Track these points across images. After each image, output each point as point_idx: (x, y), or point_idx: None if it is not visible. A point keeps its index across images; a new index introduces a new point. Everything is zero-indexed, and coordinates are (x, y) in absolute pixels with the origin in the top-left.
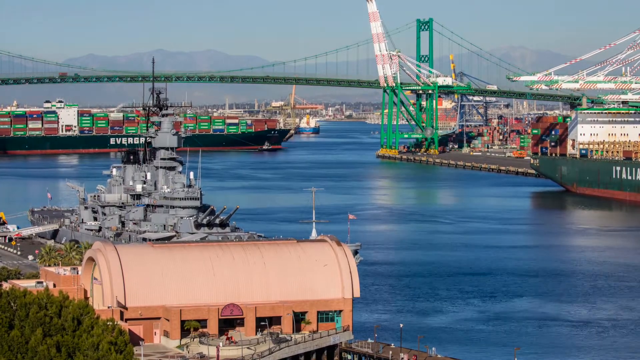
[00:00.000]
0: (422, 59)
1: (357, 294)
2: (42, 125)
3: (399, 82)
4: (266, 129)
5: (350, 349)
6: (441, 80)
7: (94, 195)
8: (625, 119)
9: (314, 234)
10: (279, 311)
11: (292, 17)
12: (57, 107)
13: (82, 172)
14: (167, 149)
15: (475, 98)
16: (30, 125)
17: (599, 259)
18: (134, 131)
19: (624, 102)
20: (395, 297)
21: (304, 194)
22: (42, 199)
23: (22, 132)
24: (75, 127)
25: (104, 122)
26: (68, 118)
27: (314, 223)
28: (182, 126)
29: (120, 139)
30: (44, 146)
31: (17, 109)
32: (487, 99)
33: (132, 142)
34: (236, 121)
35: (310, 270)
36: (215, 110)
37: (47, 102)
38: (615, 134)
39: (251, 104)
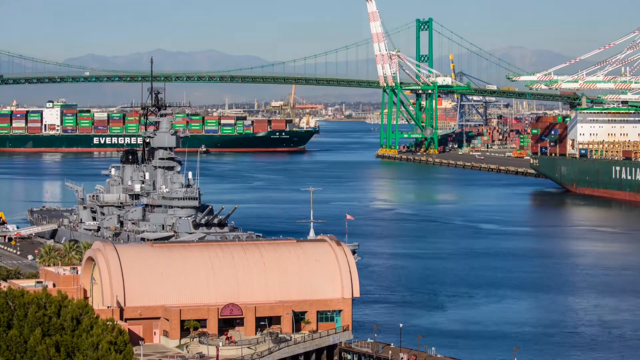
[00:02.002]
0: (422, 58)
1: (357, 293)
2: (26, 124)
3: (398, 81)
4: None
5: (349, 348)
6: (441, 80)
7: (93, 195)
8: (625, 119)
9: (311, 234)
10: (279, 311)
11: (292, 17)
12: (45, 107)
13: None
14: (165, 148)
15: (475, 98)
16: (15, 124)
17: (598, 259)
18: (118, 131)
19: (624, 102)
20: (395, 297)
21: (302, 194)
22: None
23: (7, 131)
24: (58, 126)
25: (87, 121)
26: (51, 117)
27: (311, 223)
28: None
29: (104, 138)
30: (26, 144)
31: (4, 109)
32: (487, 98)
33: (116, 142)
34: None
35: (310, 270)
36: (215, 110)
37: (50, 101)
38: (614, 134)
39: (251, 104)
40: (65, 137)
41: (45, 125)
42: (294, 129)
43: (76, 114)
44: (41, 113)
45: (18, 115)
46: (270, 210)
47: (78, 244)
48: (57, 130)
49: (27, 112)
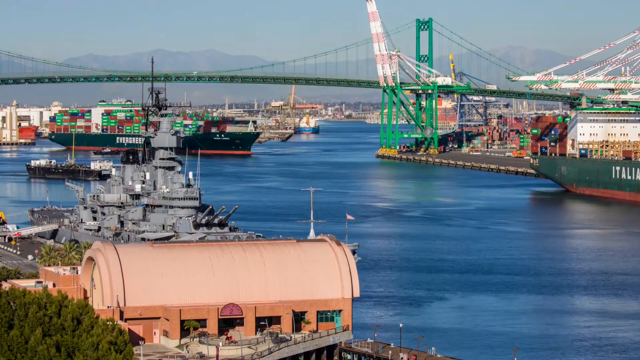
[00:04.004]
0: (422, 58)
1: (357, 293)
2: (84, 124)
3: (398, 81)
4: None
5: (349, 348)
6: (441, 80)
7: (93, 195)
8: (625, 119)
9: (312, 234)
10: (279, 311)
11: (292, 17)
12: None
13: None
14: (166, 149)
15: (475, 98)
16: (79, 123)
17: (598, 259)
18: (129, 130)
19: (624, 102)
20: (395, 297)
21: (302, 195)
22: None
23: (74, 130)
24: (99, 125)
25: (114, 121)
26: (96, 117)
27: (312, 223)
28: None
29: (123, 138)
30: (83, 143)
31: (71, 108)
32: (487, 98)
33: (130, 142)
34: (189, 122)
35: (310, 270)
36: (215, 110)
37: (102, 101)
38: (614, 134)
39: (251, 104)
40: (101, 136)
41: (93, 124)
42: (239, 131)
43: (110, 113)
44: (91, 112)
45: (79, 114)
46: (272, 209)
47: (78, 244)
48: (98, 129)
49: (87, 111)
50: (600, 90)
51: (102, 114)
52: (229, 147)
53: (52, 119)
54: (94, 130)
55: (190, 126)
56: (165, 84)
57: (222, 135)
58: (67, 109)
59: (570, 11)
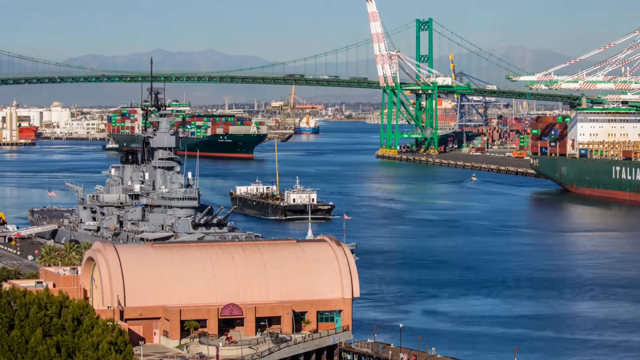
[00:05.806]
0: (422, 59)
1: (357, 293)
2: (130, 124)
3: (398, 82)
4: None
5: (349, 349)
6: (441, 80)
7: (93, 195)
8: (625, 119)
9: (309, 234)
10: (279, 311)
11: (292, 17)
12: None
13: None
14: (165, 149)
15: (475, 98)
16: (126, 124)
17: (598, 260)
18: None
19: (624, 102)
20: (395, 297)
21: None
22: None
23: (123, 131)
24: (140, 126)
25: (148, 122)
26: (139, 118)
27: (309, 223)
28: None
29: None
30: (128, 144)
31: (123, 109)
32: (487, 98)
33: None
34: (201, 123)
35: (310, 270)
36: (215, 110)
37: (146, 101)
38: (614, 134)
39: (251, 104)
40: (138, 137)
41: (135, 125)
42: (241, 133)
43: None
44: (134, 114)
45: (127, 115)
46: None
47: (78, 244)
48: (137, 130)
49: (133, 112)
50: (600, 90)
51: (142, 115)
52: (233, 150)
53: (109, 120)
54: (136, 131)
55: (201, 127)
56: (165, 84)
57: (225, 138)
58: (122, 109)
59: (570, 11)
